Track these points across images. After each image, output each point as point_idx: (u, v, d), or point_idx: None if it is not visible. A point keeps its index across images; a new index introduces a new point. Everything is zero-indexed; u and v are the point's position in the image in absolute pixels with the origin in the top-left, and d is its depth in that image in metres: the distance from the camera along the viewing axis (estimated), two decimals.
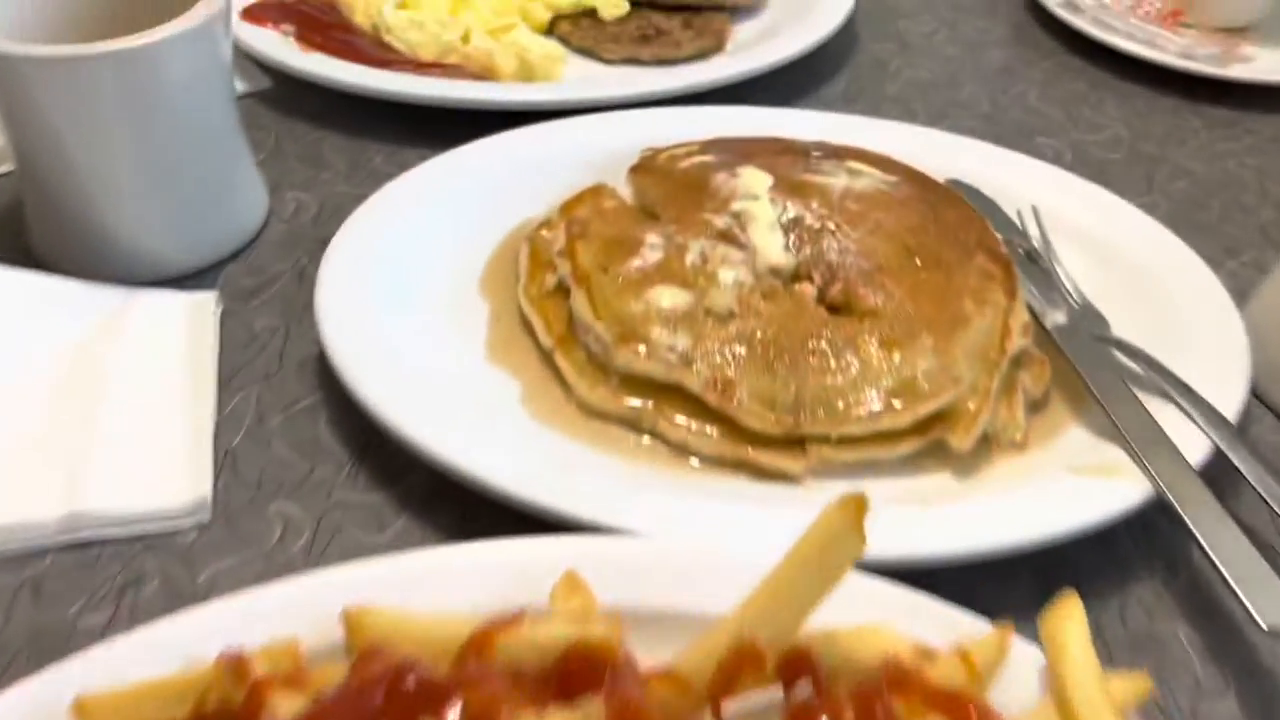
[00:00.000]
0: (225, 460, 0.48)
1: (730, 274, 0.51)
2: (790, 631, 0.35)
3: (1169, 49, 0.77)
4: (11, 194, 0.61)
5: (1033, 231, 0.59)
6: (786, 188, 0.56)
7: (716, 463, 0.48)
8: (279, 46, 0.69)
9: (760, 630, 0.35)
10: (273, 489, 0.47)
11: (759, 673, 0.35)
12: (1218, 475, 0.47)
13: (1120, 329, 0.54)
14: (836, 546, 0.34)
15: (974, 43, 0.81)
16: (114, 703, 0.34)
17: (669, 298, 0.51)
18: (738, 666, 0.35)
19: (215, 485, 0.47)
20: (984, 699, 0.34)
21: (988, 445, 0.49)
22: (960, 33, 0.82)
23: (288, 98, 0.70)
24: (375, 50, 0.71)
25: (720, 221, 0.54)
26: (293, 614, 0.36)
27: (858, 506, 0.34)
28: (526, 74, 0.70)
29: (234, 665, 0.33)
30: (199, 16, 0.52)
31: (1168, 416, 0.48)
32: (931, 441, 0.49)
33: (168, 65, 0.52)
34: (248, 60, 0.70)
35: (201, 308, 0.54)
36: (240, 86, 0.70)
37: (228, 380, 0.52)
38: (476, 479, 0.44)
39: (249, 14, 0.71)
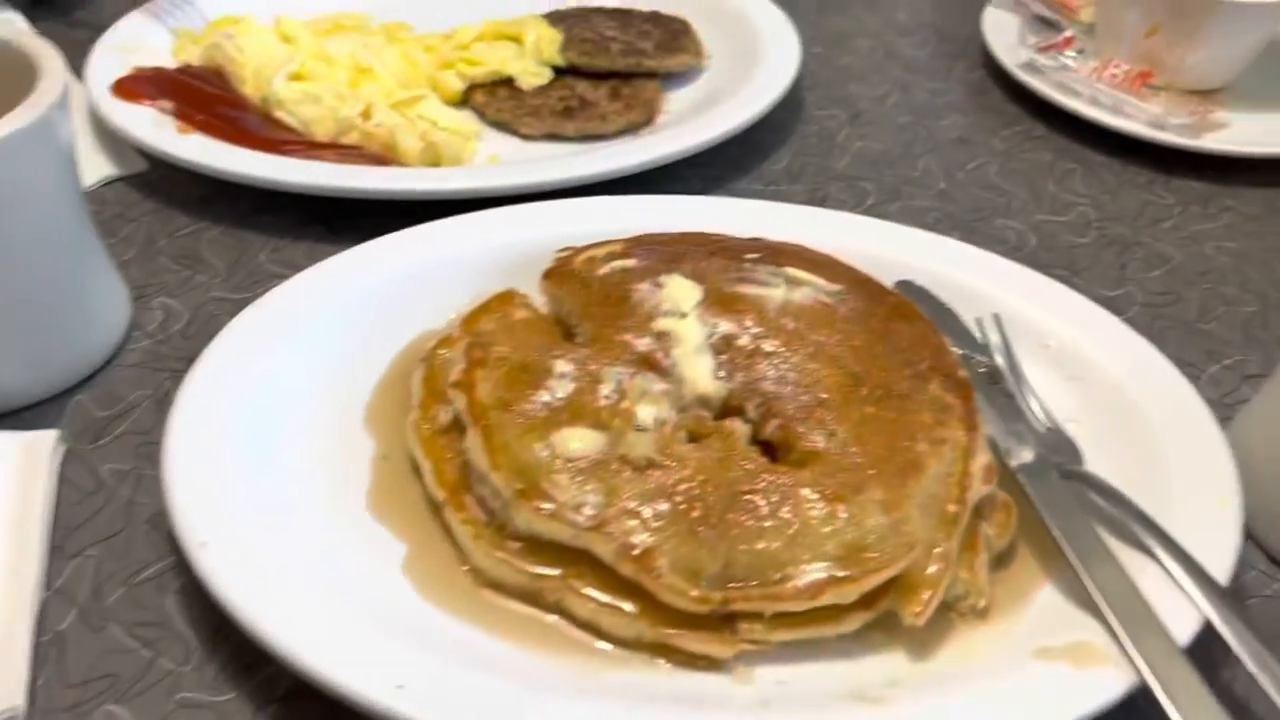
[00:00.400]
0: (50, 648, 0.41)
1: (650, 411, 0.44)
2: None
3: (1138, 117, 0.72)
4: None
5: (994, 342, 0.53)
6: (717, 301, 0.49)
7: (632, 645, 0.41)
8: (153, 127, 0.61)
9: None
10: (103, 688, 0.40)
11: None
12: (1207, 642, 0.41)
13: (1094, 456, 0.48)
14: None
15: (928, 108, 0.75)
16: None
17: (579, 442, 0.43)
18: None
19: (33, 685, 0.39)
20: None
21: (945, 613, 0.43)
22: (913, 97, 0.76)
23: (165, 182, 0.62)
24: (264, 128, 0.63)
25: (641, 344, 0.47)
26: None
27: None
28: (433, 156, 0.63)
29: None
30: (33, 112, 0.45)
31: (1149, 579, 0.42)
32: (881, 613, 0.42)
33: None
34: (121, 141, 0.63)
35: (37, 450, 0.47)
36: (110, 171, 0.63)
37: (61, 543, 0.44)
38: (339, 690, 0.37)
39: (121, 89, 0.63)
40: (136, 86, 0.63)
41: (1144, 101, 0.72)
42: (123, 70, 0.65)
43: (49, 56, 0.47)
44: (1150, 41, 0.74)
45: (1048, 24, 0.82)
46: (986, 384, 0.51)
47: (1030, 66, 0.76)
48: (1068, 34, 0.79)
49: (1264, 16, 0.72)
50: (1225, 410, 0.54)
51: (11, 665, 0.39)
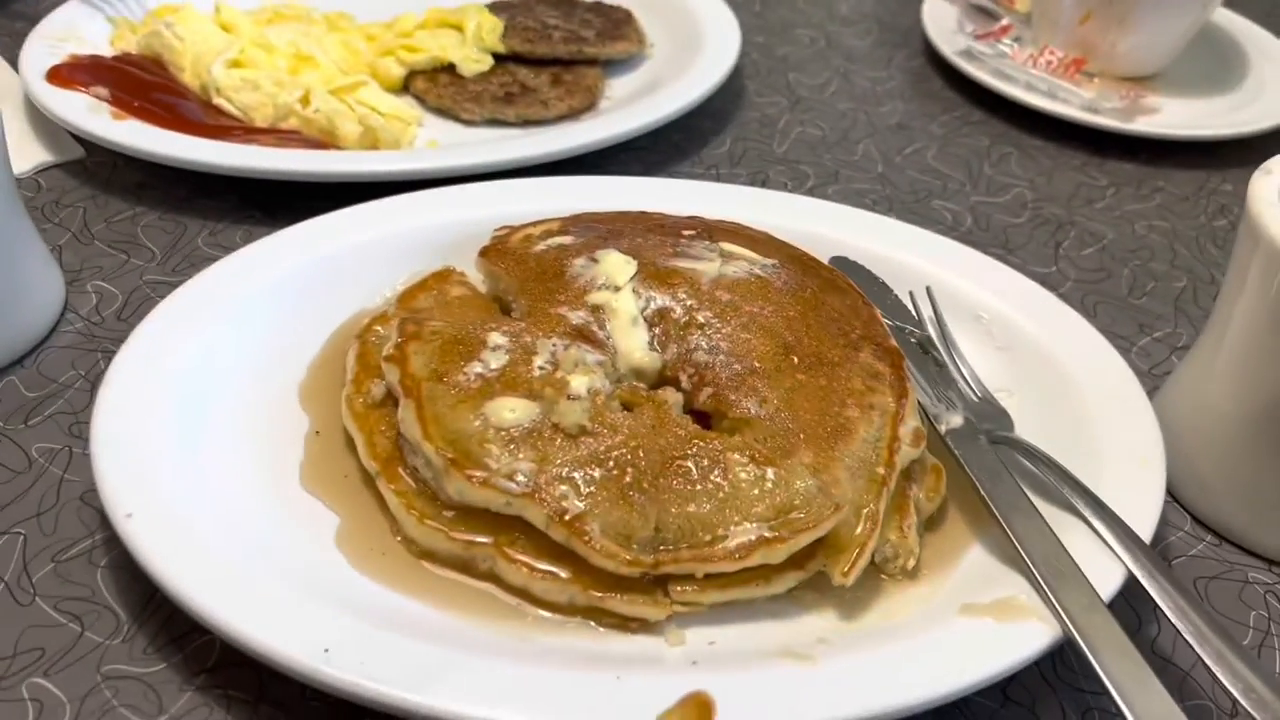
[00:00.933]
0: None
1: (584, 381, 0.45)
2: None
3: (1072, 102, 0.73)
4: None
5: (927, 315, 0.54)
6: (652, 275, 0.49)
7: (565, 610, 0.41)
8: (88, 114, 0.61)
9: None
10: (29, 661, 0.39)
11: None
12: (1131, 599, 0.42)
13: (1024, 424, 0.49)
14: None
15: (868, 95, 0.76)
16: None
17: (511, 411, 0.44)
18: None
19: None
20: None
21: (876, 574, 0.43)
22: (854, 85, 0.77)
23: (102, 169, 0.62)
24: (203, 114, 0.63)
25: (576, 317, 0.48)
26: None
27: (700, 712, 0.27)
28: (371, 140, 0.63)
29: None
30: None
31: (1076, 538, 0.43)
32: (812, 573, 0.42)
33: None
34: (58, 128, 0.62)
35: None
36: (46, 158, 0.62)
37: None
38: (271, 656, 0.36)
39: (56, 76, 0.63)
40: (72, 74, 0.63)
41: (1078, 87, 0.74)
42: (58, 58, 0.65)
43: None
44: (1084, 28, 0.76)
45: (985, 13, 0.83)
46: (918, 354, 0.51)
47: (968, 54, 0.77)
48: (1004, 22, 0.80)
49: (1189, 4, 0.74)
50: (1155, 380, 0.55)
51: None
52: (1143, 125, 0.72)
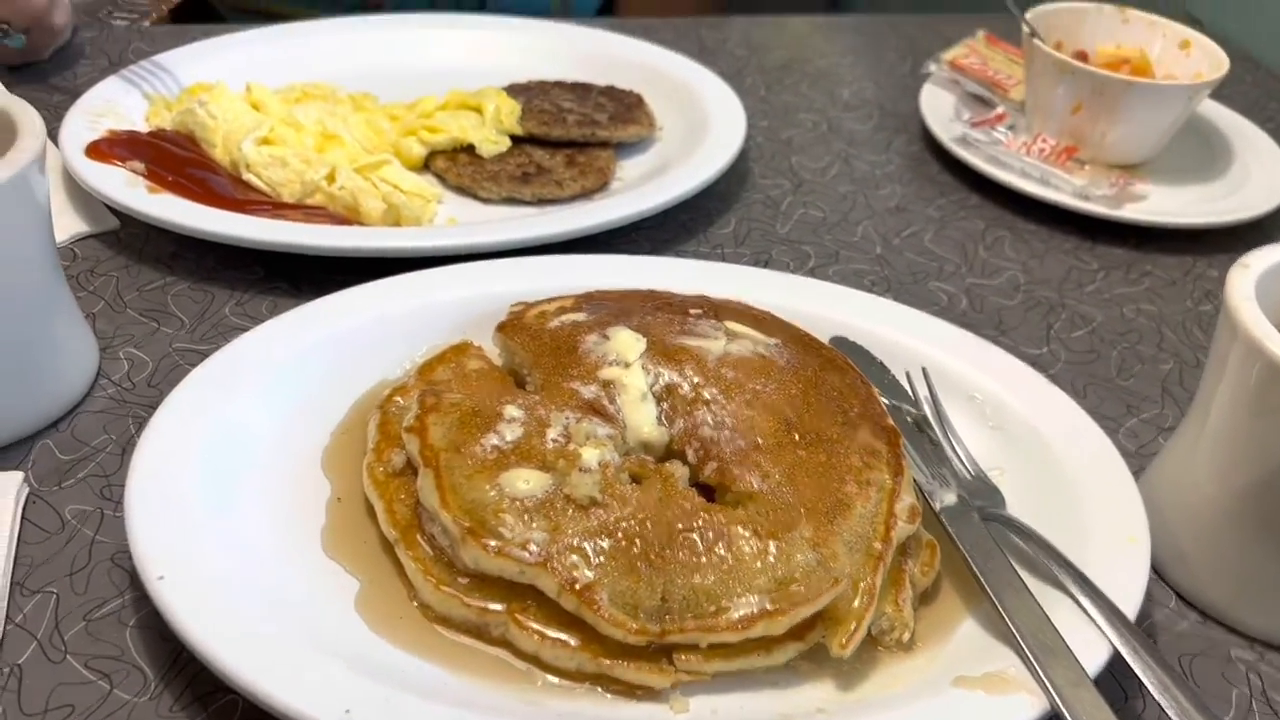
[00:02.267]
0: (9, 679, 0.42)
1: (595, 454, 0.47)
2: None
3: (1064, 189, 0.76)
4: None
5: (922, 395, 0.56)
6: (660, 352, 0.52)
7: (573, 676, 0.43)
8: (124, 187, 0.64)
9: None
10: (60, 717, 0.41)
11: None
12: (1117, 674, 0.43)
13: (1015, 501, 0.51)
14: None
15: (868, 179, 0.79)
16: None
17: (526, 482, 0.46)
18: None
19: None
20: None
21: (873, 646, 0.45)
22: (854, 168, 0.80)
23: (134, 239, 0.65)
24: (233, 189, 0.66)
25: (588, 391, 0.50)
26: None
27: None
28: (394, 217, 0.66)
29: None
30: (11, 168, 0.47)
31: (1064, 613, 0.45)
32: (810, 645, 0.44)
33: None
34: (93, 200, 0.65)
35: (2, 491, 0.48)
36: (82, 228, 0.65)
37: (23, 579, 0.46)
38: (290, 715, 0.38)
39: (94, 150, 0.66)
40: (109, 148, 0.66)
41: (1070, 174, 0.77)
42: (96, 133, 0.68)
43: (29, 117, 0.50)
44: (1075, 118, 0.79)
45: (981, 101, 0.87)
46: (914, 432, 0.54)
47: (964, 140, 0.81)
48: (999, 110, 0.83)
49: (1175, 96, 0.78)
50: (1142, 460, 0.57)
51: None
52: (1131, 212, 0.75)
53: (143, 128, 0.71)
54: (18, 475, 0.49)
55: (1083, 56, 0.83)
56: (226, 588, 0.43)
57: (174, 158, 0.67)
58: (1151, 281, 0.72)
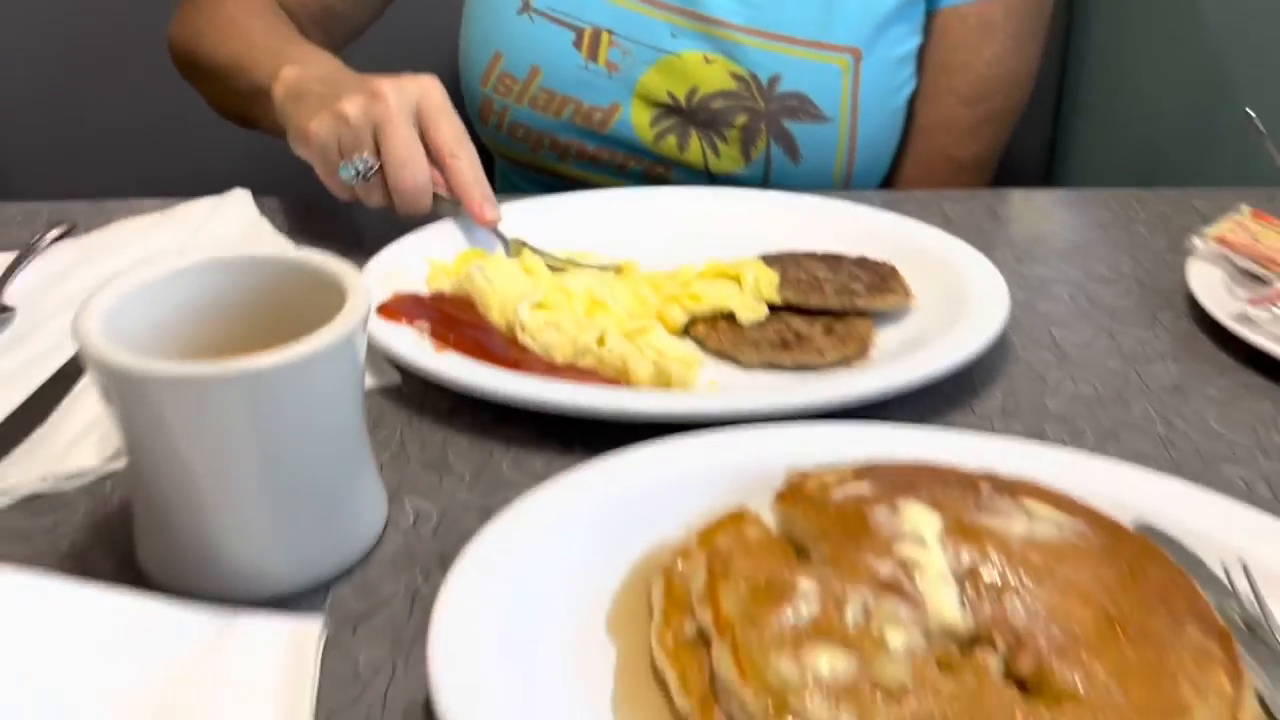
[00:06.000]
0: None
1: (900, 637, 0.45)
2: None
3: None
4: (124, 490, 0.59)
5: (1243, 591, 0.51)
6: (957, 530, 0.50)
7: None
8: (413, 344, 0.67)
9: None
10: None
11: None
12: None
13: None
14: None
15: (1137, 355, 0.76)
16: None
17: (829, 663, 0.44)
18: None
19: None
20: None
21: None
22: (1120, 344, 0.77)
23: (416, 395, 0.68)
24: (508, 349, 0.69)
25: (884, 569, 0.48)
26: None
27: None
28: (662, 379, 0.67)
29: None
30: (341, 331, 0.50)
31: None
32: None
33: (303, 382, 0.49)
34: (376, 355, 0.69)
35: (304, 636, 0.49)
36: (369, 382, 0.68)
37: None
38: None
39: (385, 310, 0.70)
40: (399, 308, 0.70)
41: None
42: (385, 293, 0.72)
43: (356, 280, 0.53)
44: None
45: (1254, 278, 0.83)
46: (1245, 634, 0.49)
47: (1243, 318, 0.76)
48: (1278, 286, 0.79)
49: None
50: None
51: None
52: None
53: (424, 290, 0.75)
54: (318, 621, 0.51)
55: None
56: None
57: (455, 319, 0.70)
58: None
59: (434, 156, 0.80)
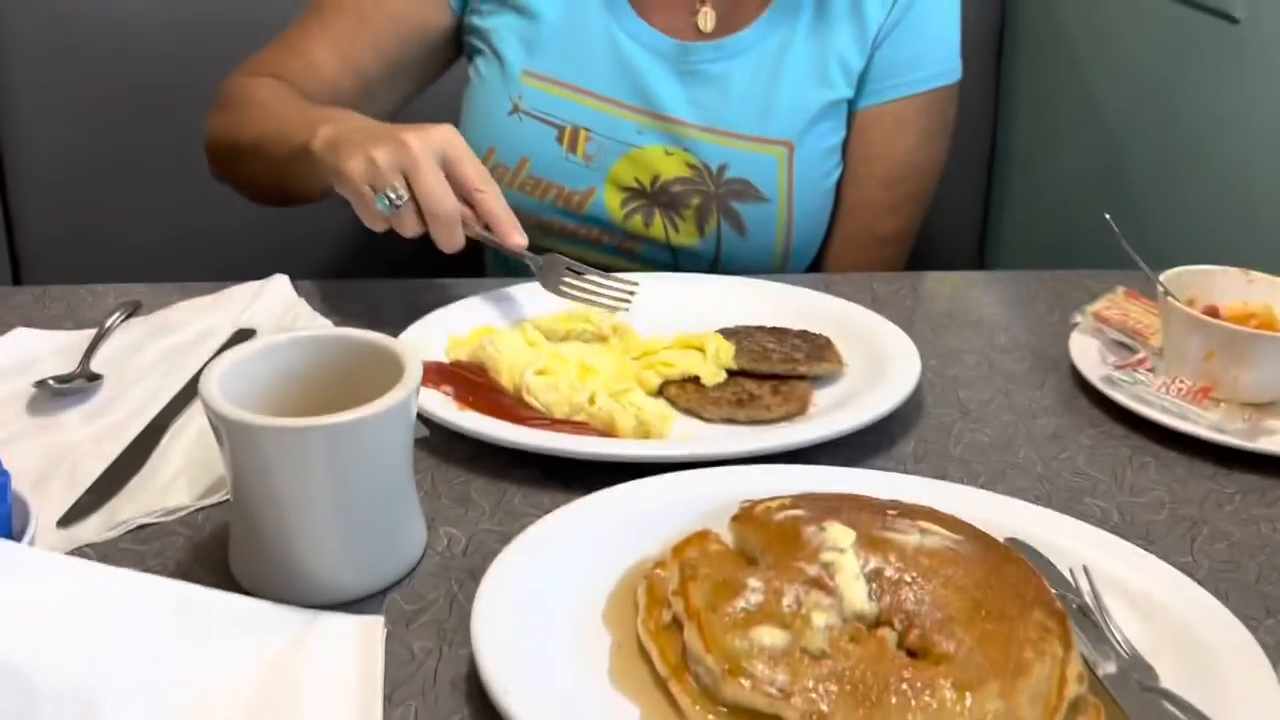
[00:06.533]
0: None
1: (822, 618, 0.60)
2: None
3: (1200, 423, 0.88)
4: (219, 520, 0.74)
5: (1084, 588, 0.68)
6: (867, 543, 0.66)
7: None
8: (441, 404, 0.83)
9: None
10: None
11: None
12: None
13: (1165, 680, 0.61)
14: None
15: (1026, 410, 0.93)
16: None
17: (769, 636, 0.60)
18: None
19: None
20: None
21: None
22: (1014, 401, 0.95)
23: (444, 445, 0.83)
24: (517, 407, 0.85)
25: (811, 570, 0.64)
26: None
27: None
28: (642, 430, 0.83)
29: None
30: (399, 396, 0.66)
31: None
32: None
33: (369, 434, 0.65)
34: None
35: (371, 631, 0.65)
36: None
37: (390, 694, 0.61)
38: None
39: None
40: (427, 375, 0.86)
41: (1205, 410, 0.89)
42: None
43: (410, 355, 0.69)
44: (1209, 364, 0.92)
45: (1124, 346, 1.00)
46: (1078, 616, 0.65)
47: (1109, 380, 0.94)
48: (1140, 355, 0.97)
49: None
50: (1277, 658, 0.66)
51: None
52: (1264, 444, 0.87)
53: (443, 359, 0.92)
54: (380, 620, 0.66)
55: (1214, 312, 0.97)
56: (547, 703, 0.57)
57: (473, 383, 0.86)
58: None
59: (461, 194, 0.94)
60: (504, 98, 1.21)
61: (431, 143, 0.92)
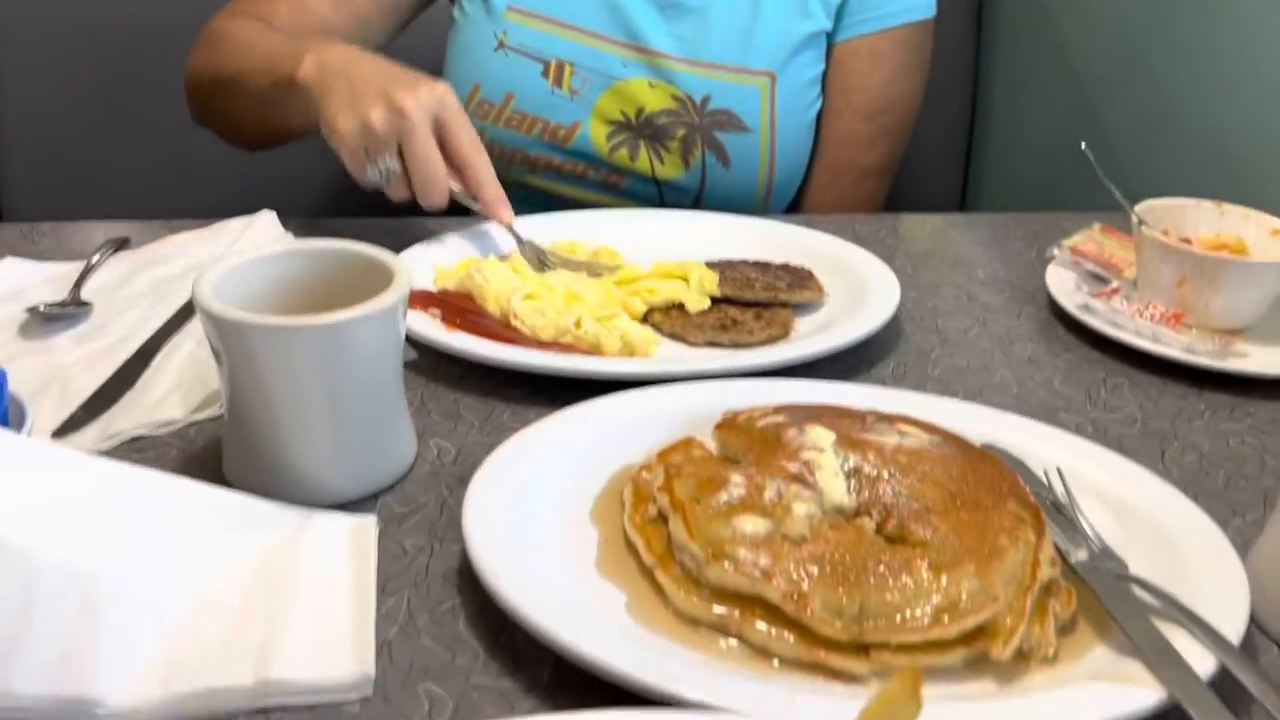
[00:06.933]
0: (383, 648, 0.58)
1: (803, 508, 0.62)
2: None
3: (1173, 345, 0.90)
4: (212, 434, 0.75)
5: (1058, 488, 0.70)
6: (847, 443, 0.68)
7: (793, 664, 0.57)
8: (429, 326, 0.85)
9: None
10: (421, 673, 0.57)
11: None
12: (1226, 695, 0.54)
13: (1135, 569, 0.64)
14: (898, 710, 0.43)
15: (1004, 338, 0.95)
16: None
17: (751, 525, 0.61)
18: None
19: (376, 667, 0.57)
20: None
21: (1024, 660, 0.58)
22: (991, 329, 0.97)
23: (432, 366, 0.85)
24: (504, 331, 0.86)
25: (793, 467, 0.66)
26: None
27: (914, 679, 0.43)
28: (628, 351, 0.85)
29: None
30: (384, 302, 0.67)
31: (1179, 639, 0.57)
32: (976, 653, 0.57)
33: (359, 336, 0.66)
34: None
35: (364, 529, 0.66)
36: None
37: (384, 586, 0.63)
38: (596, 662, 0.53)
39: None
40: (414, 299, 0.87)
41: (1177, 334, 0.91)
42: None
43: (399, 264, 0.71)
44: (1181, 290, 0.94)
45: (1099, 279, 1.03)
46: (1052, 510, 0.67)
47: (1086, 308, 0.96)
48: (1115, 285, 0.99)
49: (1268, 273, 0.92)
50: (1244, 553, 0.68)
51: (365, 652, 0.57)
52: (1234, 364, 0.89)
53: (433, 287, 0.93)
54: (372, 518, 0.67)
55: (1187, 243, 0.99)
56: (538, 587, 0.59)
57: (460, 308, 0.88)
58: (1254, 420, 0.84)
59: (452, 163, 0.95)
60: (489, 34, 1.23)
61: (426, 106, 0.93)
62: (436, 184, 0.93)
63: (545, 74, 1.23)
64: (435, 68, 1.27)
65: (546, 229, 1.04)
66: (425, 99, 0.93)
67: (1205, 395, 0.88)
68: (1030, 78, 1.67)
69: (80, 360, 0.83)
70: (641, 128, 1.24)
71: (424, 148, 0.92)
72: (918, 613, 0.57)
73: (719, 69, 1.23)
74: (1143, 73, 1.41)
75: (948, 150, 1.71)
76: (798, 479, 0.65)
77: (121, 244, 1.02)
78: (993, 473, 0.67)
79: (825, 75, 1.29)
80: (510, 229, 1.00)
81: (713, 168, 1.25)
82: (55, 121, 1.52)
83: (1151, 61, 1.40)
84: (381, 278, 0.70)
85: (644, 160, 1.25)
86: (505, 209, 0.99)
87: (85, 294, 0.92)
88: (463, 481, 0.68)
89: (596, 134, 1.24)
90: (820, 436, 0.68)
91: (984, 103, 1.75)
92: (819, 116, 1.30)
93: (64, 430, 0.74)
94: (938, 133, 1.65)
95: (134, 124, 1.53)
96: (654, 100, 1.23)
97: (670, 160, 1.25)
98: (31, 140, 1.52)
